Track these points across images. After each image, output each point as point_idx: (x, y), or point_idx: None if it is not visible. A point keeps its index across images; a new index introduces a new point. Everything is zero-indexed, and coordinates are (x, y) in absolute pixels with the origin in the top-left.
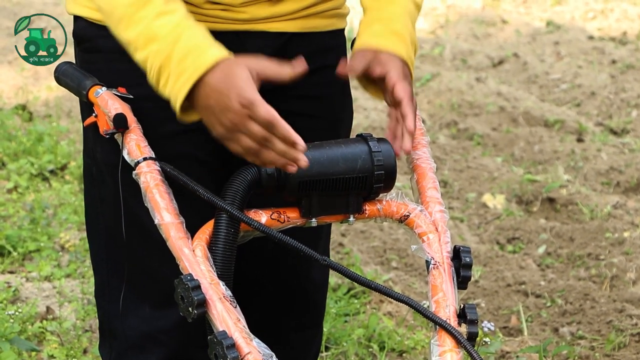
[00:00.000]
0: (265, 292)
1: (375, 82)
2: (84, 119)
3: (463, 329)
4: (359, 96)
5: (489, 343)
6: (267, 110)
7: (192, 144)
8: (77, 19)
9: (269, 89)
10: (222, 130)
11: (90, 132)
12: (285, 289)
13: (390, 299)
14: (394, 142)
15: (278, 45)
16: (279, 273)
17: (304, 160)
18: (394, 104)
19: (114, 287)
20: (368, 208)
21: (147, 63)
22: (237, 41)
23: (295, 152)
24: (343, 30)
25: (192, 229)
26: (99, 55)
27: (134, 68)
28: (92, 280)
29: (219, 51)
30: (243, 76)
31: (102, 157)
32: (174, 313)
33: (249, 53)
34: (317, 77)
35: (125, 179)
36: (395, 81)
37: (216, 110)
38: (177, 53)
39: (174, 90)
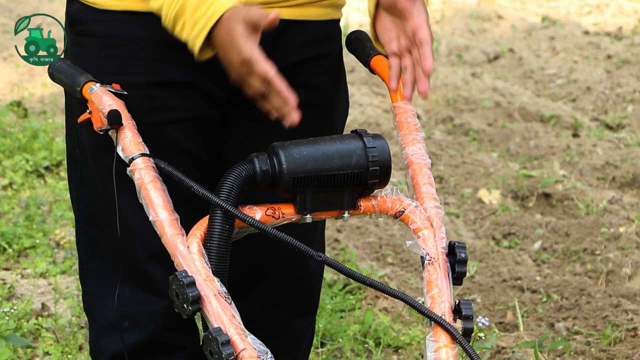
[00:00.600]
0: (265, 280)
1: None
2: (67, 106)
3: (458, 324)
4: (355, 92)
5: (484, 338)
6: (263, 68)
7: (181, 135)
8: (72, 1)
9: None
10: (232, 79)
11: (76, 114)
12: (283, 277)
13: (385, 295)
14: (403, 89)
15: (274, 32)
16: (278, 262)
17: (293, 118)
18: (410, 45)
19: (93, 268)
20: (363, 204)
21: (162, 11)
22: None
23: (287, 108)
24: (339, 20)
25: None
26: (92, 39)
27: (126, 55)
28: None
29: (228, 0)
30: (240, 33)
31: (87, 140)
32: (160, 300)
33: None
34: (313, 65)
35: (107, 164)
36: (420, 23)
37: (225, 63)
38: (191, 3)
39: (191, 38)
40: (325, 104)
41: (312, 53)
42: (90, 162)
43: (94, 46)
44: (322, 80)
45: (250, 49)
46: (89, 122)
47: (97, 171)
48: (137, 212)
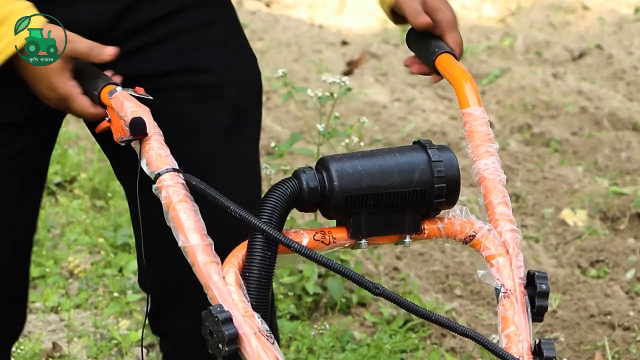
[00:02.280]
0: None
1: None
2: None
3: None
4: (416, 96)
5: None
6: (81, 108)
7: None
8: None
9: (148, 74)
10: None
11: None
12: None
13: (453, 332)
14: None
15: (118, 9)
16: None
17: None
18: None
19: None
20: (427, 227)
21: None
22: (68, 7)
23: None
24: None
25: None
26: None
27: None
28: (106, 311)
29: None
30: (54, 67)
31: None
32: None
33: (83, 20)
34: (183, 41)
35: None
36: (445, 29)
37: (35, 89)
38: None
39: None
40: (211, 79)
41: (173, 28)
42: None
43: None
44: (202, 57)
45: (66, 86)
46: None
47: None
48: None
